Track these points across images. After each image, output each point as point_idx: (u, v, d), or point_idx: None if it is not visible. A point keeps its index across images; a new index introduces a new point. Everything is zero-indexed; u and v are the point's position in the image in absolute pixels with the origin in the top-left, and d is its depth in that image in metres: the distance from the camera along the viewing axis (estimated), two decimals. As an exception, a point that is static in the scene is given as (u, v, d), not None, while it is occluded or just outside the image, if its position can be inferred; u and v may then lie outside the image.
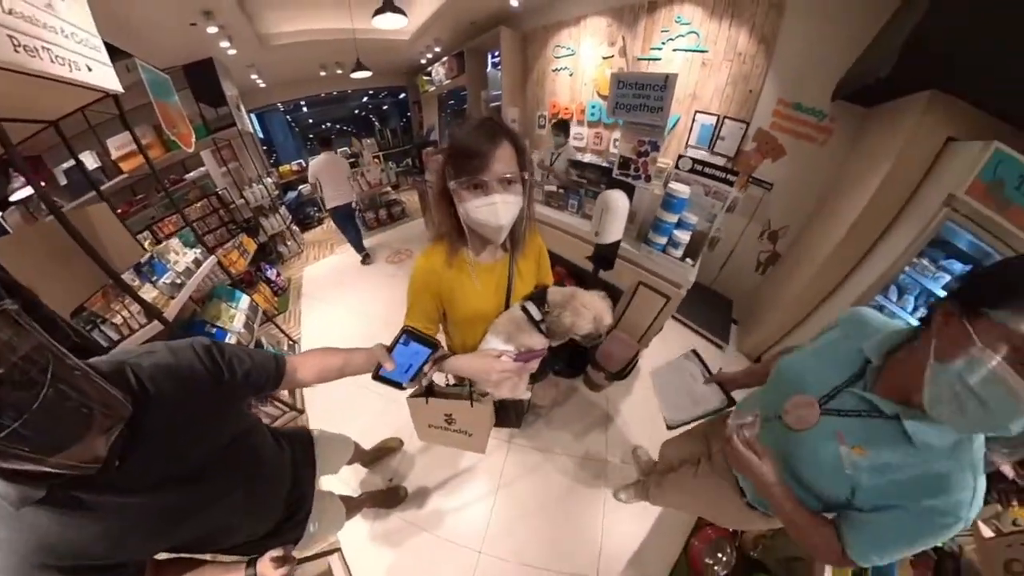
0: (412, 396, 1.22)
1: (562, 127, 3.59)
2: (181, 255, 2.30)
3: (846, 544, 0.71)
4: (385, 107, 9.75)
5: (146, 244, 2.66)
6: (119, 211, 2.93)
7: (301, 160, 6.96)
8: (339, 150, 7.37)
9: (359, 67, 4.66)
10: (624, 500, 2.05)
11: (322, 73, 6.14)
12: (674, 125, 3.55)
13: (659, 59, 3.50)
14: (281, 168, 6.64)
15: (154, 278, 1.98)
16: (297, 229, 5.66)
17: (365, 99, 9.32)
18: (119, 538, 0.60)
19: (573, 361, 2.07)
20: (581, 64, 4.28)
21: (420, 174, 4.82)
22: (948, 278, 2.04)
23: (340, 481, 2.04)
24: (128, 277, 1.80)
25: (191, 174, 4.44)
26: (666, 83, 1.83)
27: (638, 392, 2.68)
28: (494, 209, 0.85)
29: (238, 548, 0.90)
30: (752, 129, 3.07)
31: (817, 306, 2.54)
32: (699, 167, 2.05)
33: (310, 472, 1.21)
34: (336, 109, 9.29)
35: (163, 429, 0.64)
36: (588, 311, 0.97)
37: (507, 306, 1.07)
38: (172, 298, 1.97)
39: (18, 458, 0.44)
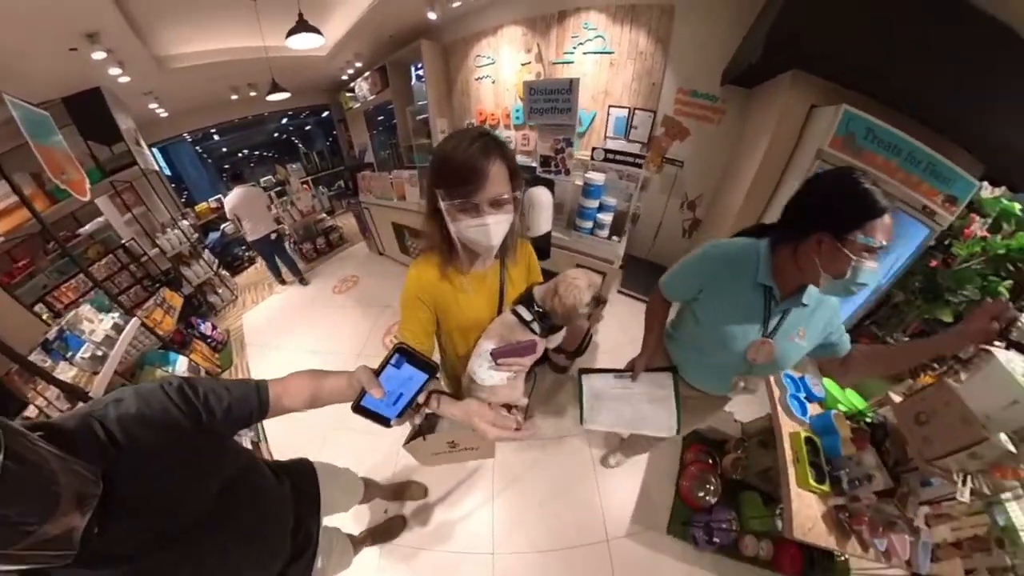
0: (407, 443, 1.12)
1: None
2: (96, 323, 2.03)
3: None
4: (308, 128, 9.21)
5: (44, 318, 2.33)
6: (-2, 284, 2.43)
7: (219, 195, 6.30)
8: (263, 179, 7.02)
9: (275, 88, 4.49)
10: (613, 464, 2.20)
11: (234, 97, 5.76)
12: (591, 121, 3.87)
13: (572, 62, 3.79)
14: (197, 207, 5.98)
15: (69, 354, 1.75)
16: (227, 274, 5.05)
17: (285, 121, 8.74)
18: None
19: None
20: (502, 72, 4.49)
21: (355, 196, 4.74)
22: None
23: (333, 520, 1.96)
24: (37, 358, 1.59)
25: (87, 227, 3.66)
26: (571, 87, 2.10)
27: (600, 363, 2.85)
28: (486, 231, 0.85)
29: None
30: (659, 116, 3.46)
31: None
32: (611, 156, 2.30)
33: (315, 507, 1.12)
34: (253, 135, 8.58)
35: (142, 485, 0.58)
36: (580, 281, 0.95)
37: (500, 312, 1.07)
38: (95, 373, 1.75)
39: None
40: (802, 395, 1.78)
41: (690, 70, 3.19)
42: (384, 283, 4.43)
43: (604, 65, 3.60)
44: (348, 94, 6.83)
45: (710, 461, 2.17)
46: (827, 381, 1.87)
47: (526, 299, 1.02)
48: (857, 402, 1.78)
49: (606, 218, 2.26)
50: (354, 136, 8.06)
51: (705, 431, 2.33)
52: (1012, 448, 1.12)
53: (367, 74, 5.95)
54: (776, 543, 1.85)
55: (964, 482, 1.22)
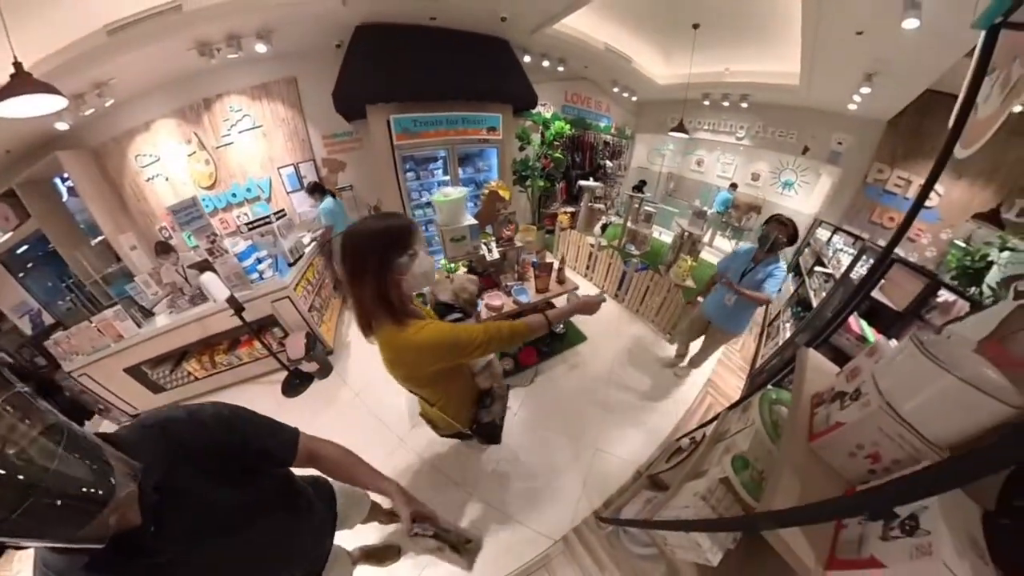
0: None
1: (163, 247, 3.78)
2: None
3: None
4: None
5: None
6: None
7: None
8: None
9: None
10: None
11: None
12: (270, 185, 4.68)
13: (232, 143, 4.55)
14: None
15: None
16: None
17: None
18: None
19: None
20: (171, 166, 4.69)
21: (56, 370, 3.66)
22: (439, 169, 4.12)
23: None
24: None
25: None
26: (194, 202, 3.06)
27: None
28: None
29: None
30: (319, 160, 4.55)
31: None
32: (253, 225, 3.45)
33: (331, 527, 1.15)
34: None
35: (192, 486, 0.65)
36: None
37: None
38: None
39: (39, 534, 0.47)
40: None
41: (324, 120, 4.56)
42: None
43: (259, 137, 4.52)
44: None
45: None
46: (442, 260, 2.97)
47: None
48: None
49: (265, 265, 3.26)
50: (-6, 301, 6.09)
51: None
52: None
53: (-10, 209, 4.97)
54: (515, 357, 3.05)
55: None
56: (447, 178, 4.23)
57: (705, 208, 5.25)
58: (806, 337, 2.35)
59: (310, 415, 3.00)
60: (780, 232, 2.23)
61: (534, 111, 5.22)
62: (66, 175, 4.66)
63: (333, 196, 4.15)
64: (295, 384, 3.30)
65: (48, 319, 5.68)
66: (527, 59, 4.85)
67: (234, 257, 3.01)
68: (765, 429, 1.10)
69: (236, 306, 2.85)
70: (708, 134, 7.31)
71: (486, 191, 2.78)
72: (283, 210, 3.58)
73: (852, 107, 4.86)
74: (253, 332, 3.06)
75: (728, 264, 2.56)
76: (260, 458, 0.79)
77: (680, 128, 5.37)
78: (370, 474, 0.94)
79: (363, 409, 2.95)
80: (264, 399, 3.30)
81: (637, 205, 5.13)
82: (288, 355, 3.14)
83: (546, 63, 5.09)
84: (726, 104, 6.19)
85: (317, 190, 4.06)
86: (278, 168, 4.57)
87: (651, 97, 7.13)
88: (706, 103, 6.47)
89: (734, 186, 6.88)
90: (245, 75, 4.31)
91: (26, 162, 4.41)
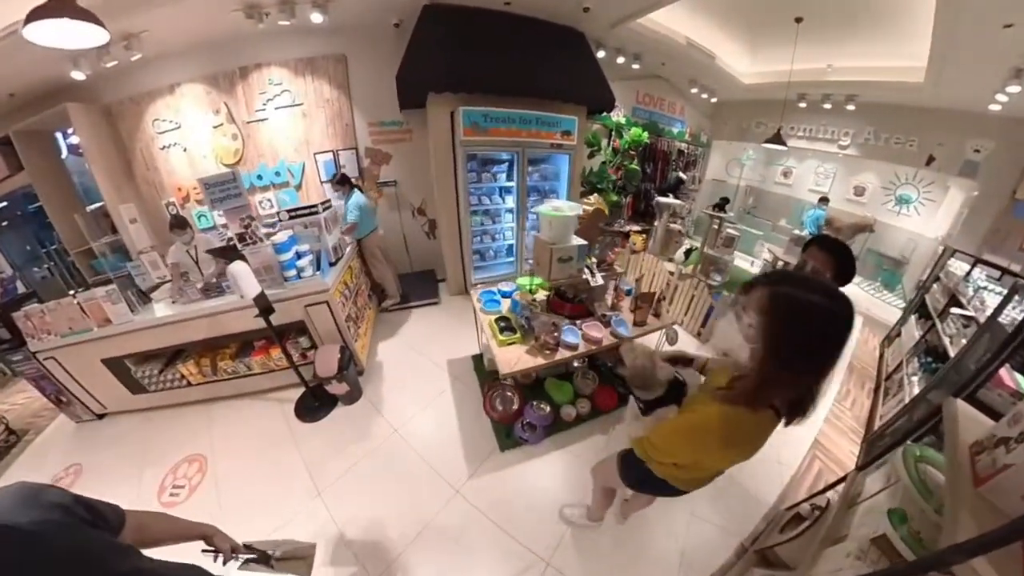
0: None
1: (179, 222, 3.25)
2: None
3: None
4: None
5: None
6: None
7: None
8: None
9: None
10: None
11: None
12: (303, 172, 4.21)
13: (266, 119, 4.08)
14: None
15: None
16: None
17: None
18: None
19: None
20: (192, 137, 4.25)
21: (20, 348, 2.86)
22: (503, 174, 3.75)
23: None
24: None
25: None
26: (234, 176, 2.49)
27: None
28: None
29: None
30: (362, 150, 4.08)
31: (459, 233, 3.89)
32: (293, 214, 2.93)
33: None
34: None
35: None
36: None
37: None
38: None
39: None
40: (496, 296, 2.65)
41: (373, 105, 4.09)
42: (120, 454, 2.80)
43: (297, 117, 4.05)
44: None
45: (503, 383, 2.61)
46: (520, 278, 2.68)
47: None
48: (538, 281, 2.54)
49: (305, 261, 2.72)
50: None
51: (489, 367, 2.87)
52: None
53: (-24, 157, 4.42)
54: (590, 398, 2.58)
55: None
56: (511, 184, 3.78)
57: (800, 231, 4.65)
58: (942, 394, 1.93)
59: (334, 447, 2.49)
60: (820, 263, 1.48)
61: (605, 114, 4.74)
62: (71, 131, 4.20)
63: (360, 191, 3.71)
64: (313, 407, 2.77)
65: (21, 288, 5.11)
66: (601, 54, 4.39)
67: (270, 247, 2.51)
68: (914, 486, 1.10)
69: (264, 305, 2.35)
70: (804, 142, 6.19)
71: (587, 207, 2.38)
72: (329, 201, 3.08)
73: (995, 107, 4.09)
74: (277, 339, 2.54)
75: None
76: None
77: (777, 139, 4.74)
78: (187, 524, 0.95)
79: (405, 449, 2.44)
80: (272, 420, 2.77)
81: (716, 226, 4.49)
82: (316, 371, 2.62)
83: (620, 59, 4.59)
84: (827, 106, 5.36)
85: (345, 182, 3.60)
86: (314, 153, 4.09)
87: (733, 98, 6.46)
88: (802, 105, 5.56)
89: (825, 200, 5.77)
90: (292, 46, 3.87)
91: (31, 110, 3.93)
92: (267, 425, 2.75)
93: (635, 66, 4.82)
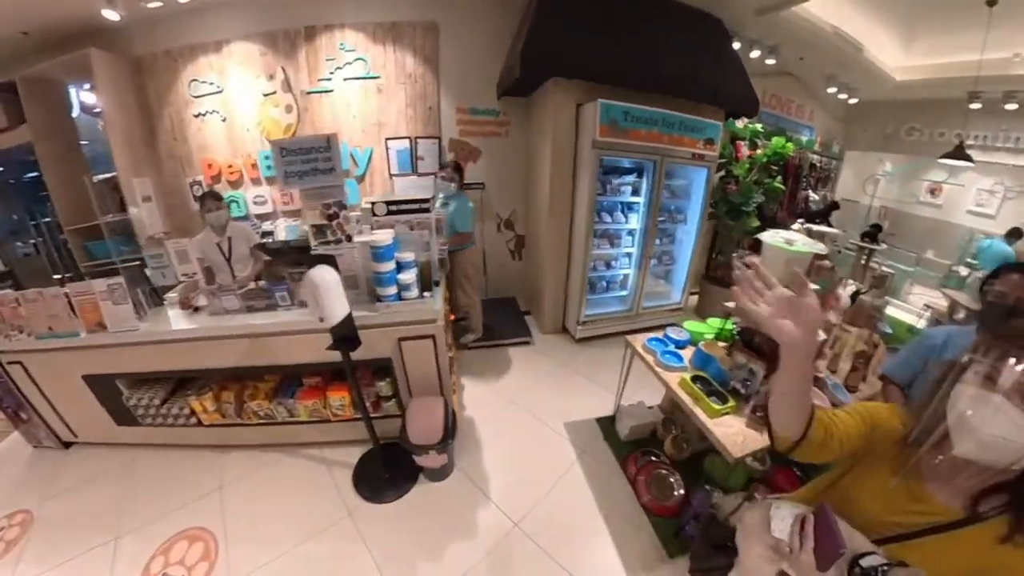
0: None
1: (212, 195, 2.64)
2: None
3: None
4: None
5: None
6: None
7: None
8: None
9: None
10: None
11: None
12: (369, 159, 3.47)
13: (331, 91, 3.37)
14: None
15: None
16: None
17: None
18: None
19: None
20: (235, 104, 3.53)
21: None
22: (627, 187, 3.04)
23: None
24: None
25: None
26: (329, 144, 1.77)
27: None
28: None
29: None
30: (445, 141, 3.36)
31: (569, 256, 3.12)
32: (394, 207, 2.07)
33: None
34: None
35: None
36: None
37: None
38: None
39: None
40: (671, 347, 1.98)
41: (465, 88, 3.34)
42: (87, 508, 2.01)
43: (371, 93, 3.33)
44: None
45: (653, 459, 2.02)
46: (687, 322, 2.15)
47: None
48: (716, 324, 2.01)
49: (409, 277, 1.93)
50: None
51: (628, 435, 2.22)
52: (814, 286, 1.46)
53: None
54: (765, 477, 1.87)
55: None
56: (635, 200, 3.05)
57: (965, 268, 3.71)
58: None
59: (420, 543, 1.76)
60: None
61: (730, 120, 3.76)
62: (88, 85, 3.45)
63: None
64: (381, 479, 1.95)
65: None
66: (736, 46, 3.59)
67: (367, 250, 1.79)
68: None
69: (348, 334, 1.58)
70: (976, 151, 4.66)
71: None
72: (435, 196, 2.35)
73: None
74: (354, 382, 1.74)
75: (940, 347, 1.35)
76: None
77: (959, 153, 3.71)
78: None
79: (535, 553, 1.70)
80: (319, 489, 2.01)
81: (864, 260, 3.50)
82: (406, 433, 1.84)
83: (755, 53, 3.76)
84: (1010, 107, 4.23)
85: (459, 172, 2.84)
86: (386, 139, 3.35)
87: (877, 97, 5.26)
88: (975, 106, 4.23)
89: (1017, 234, 4.28)
90: (372, 5, 3.19)
91: (46, 55, 3.21)
92: (311, 496, 1.98)
93: (769, 61, 3.95)
